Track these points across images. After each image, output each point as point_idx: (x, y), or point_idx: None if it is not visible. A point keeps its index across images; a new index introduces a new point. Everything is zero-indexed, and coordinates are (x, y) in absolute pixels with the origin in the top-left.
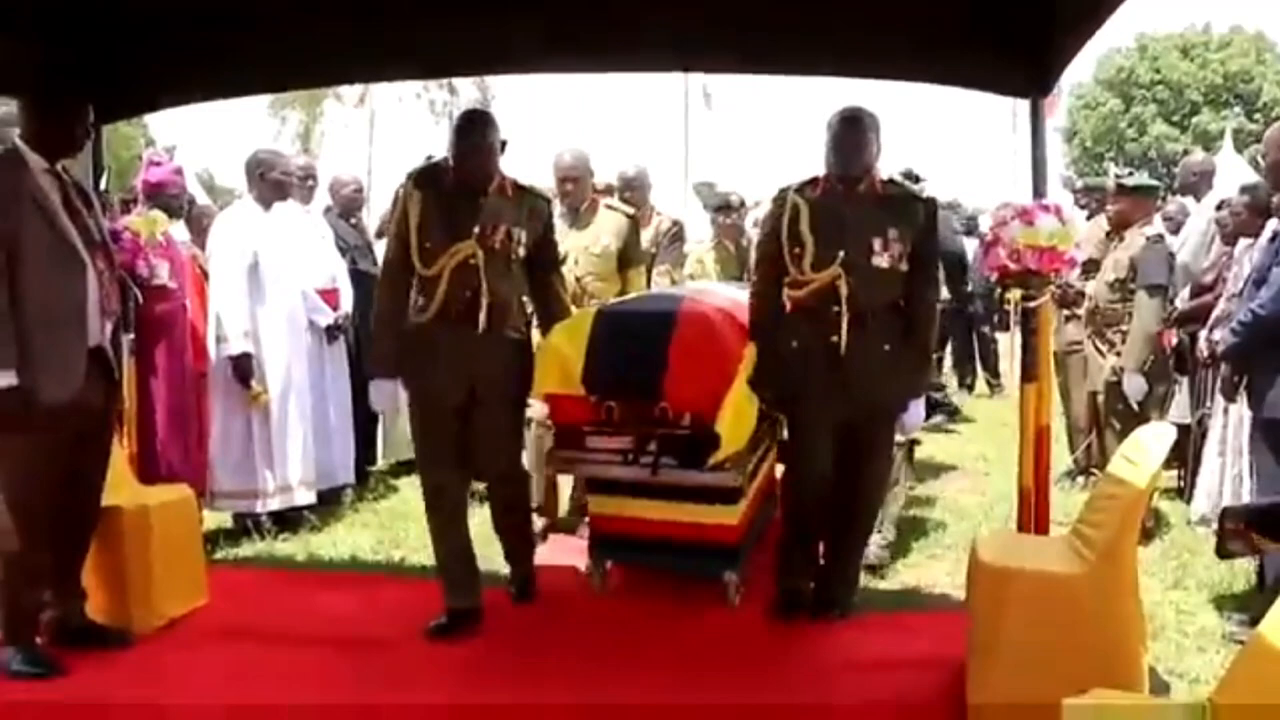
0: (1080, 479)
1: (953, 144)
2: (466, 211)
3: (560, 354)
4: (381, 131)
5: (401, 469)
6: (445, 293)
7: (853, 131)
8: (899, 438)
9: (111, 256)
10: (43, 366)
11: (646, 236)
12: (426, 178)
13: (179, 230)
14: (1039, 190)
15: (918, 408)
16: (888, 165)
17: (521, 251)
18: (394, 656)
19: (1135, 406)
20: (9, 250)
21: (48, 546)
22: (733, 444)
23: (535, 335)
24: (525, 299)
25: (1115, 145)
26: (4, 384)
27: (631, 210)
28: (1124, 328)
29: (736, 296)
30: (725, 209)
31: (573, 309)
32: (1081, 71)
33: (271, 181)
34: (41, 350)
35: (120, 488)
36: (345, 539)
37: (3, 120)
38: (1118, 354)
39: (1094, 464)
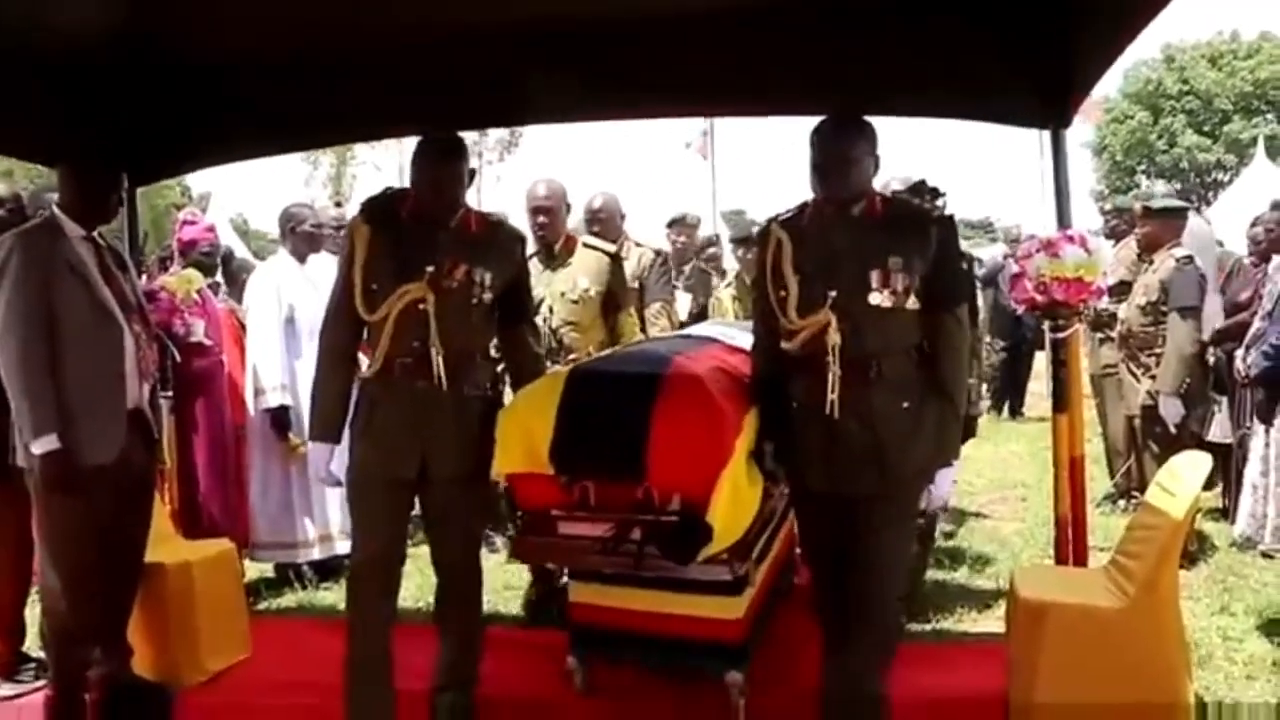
0: (1121, 502)
1: (983, 159)
2: (420, 247)
3: (524, 425)
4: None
5: None
6: (389, 343)
7: (838, 143)
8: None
9: (148, 319)
10: (83, 430)
11: (628, 272)
12: (378, 209)
13: (215, 285)
14: (1064, 221)
15: (946, 478)
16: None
17: (486, 295)
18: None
19: (1173, 429)
20: (48, 318)
21: (93, 604)
22: (728, 535)
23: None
24: (494, 350)
25: (1146, 158)
26: (47, 448)
27: (612, 248)
28: (1158, 350)
29: (743, 344)
30: (745, 241)
31: (548, 366)
32: (1108, 85)
33: (304, 235)
34: (82, 414)
35: (163, 544)
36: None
37: (41, 189)
38: (1152, 377)
39: (1134, 487)
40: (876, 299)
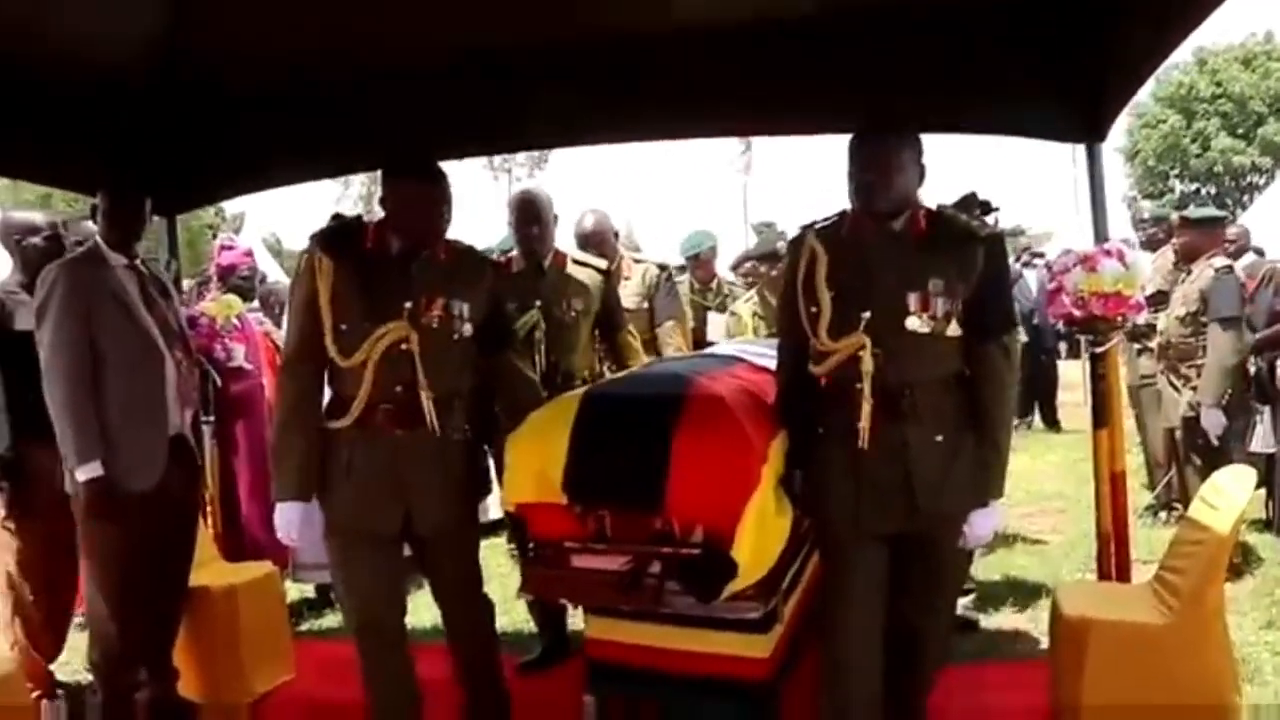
0: (1162, 514)
1: (1014, 164)
2: (394, 282)
3: (535, 452)
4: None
5: (483, 530)
6: (371, 389)
7: (879, 152)
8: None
9: (189, 346)
10: (126, 457)
11: (633, 291)
12: (339, 240)
13: (253, 308)
14: (1101, 235)
15: (988, 517)
16: (942, 193)
17: (466, 329)
18: None
19: (1215, 441)
20: (92, 347)
21: (139, 628)
22: (755, 570)
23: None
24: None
25: (1179, 162)
26: (91, 474)
27: (603, 264)
28: (1198, 361)
29: (769, 364)
30: (772, 257)
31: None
32: (1140, 91)
33: None
34: (124, 442)
35: (207, 568)
36: (426, 606)
37: (76, 217)
38: (1193, 389)
39: (1175, 499)
40: (914, 324)
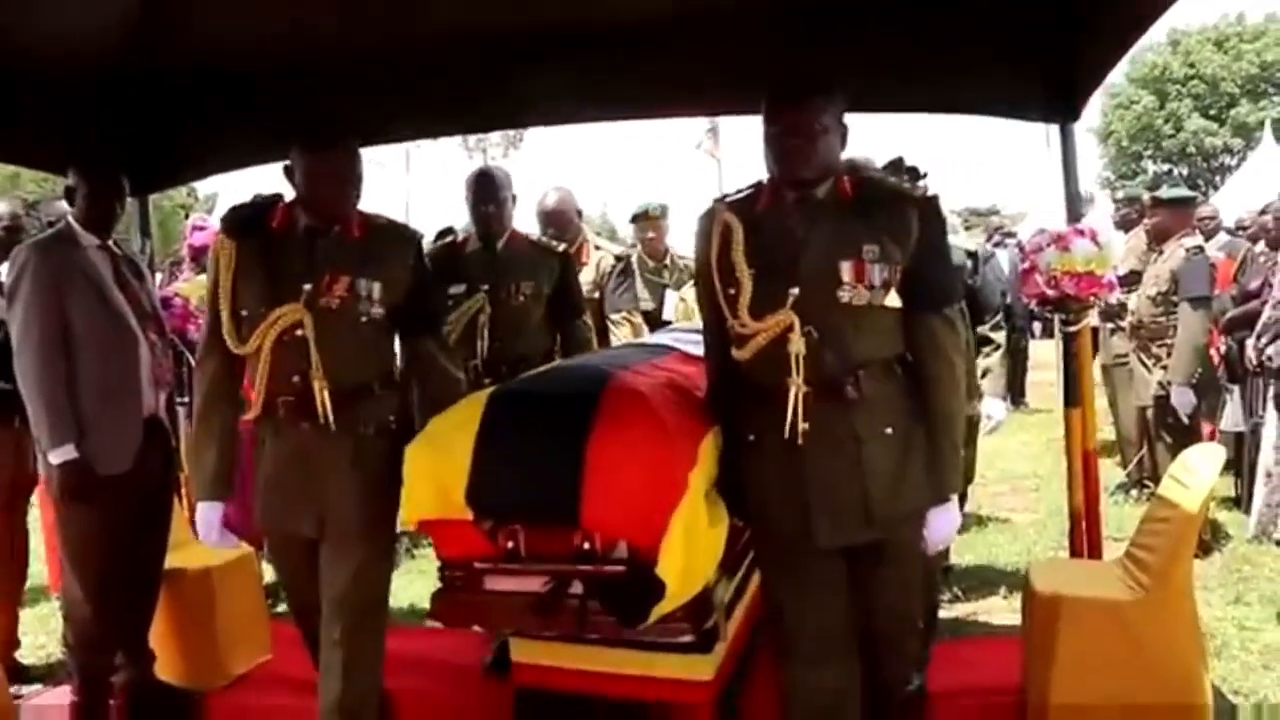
0: (1134, 492)
1: (987, 144)
2: (293, 262)
3: (437, 461)
4: (417, 166)
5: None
6: (268, 379)
7: (800, 114)
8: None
9: (163, 327)
10: (100, 439)
11: (587, 279)
12: (243, 222)
13: None
14: (1074, 215)
15: (946, 516)
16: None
17: (376, 310)
18: (449, 706)
19: (1185, 419)
20: (64, 328)
21: (114, 611)
22: (684, 590)
23: None
24: (398, 376)
25: (1152, 143)
26: (65, 458)
27: (561, 246)
28: (1169, 341)
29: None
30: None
31: (466, 385)
32: (1114, 72)
33: None
34: (98, 424)
35: (182, 550)
36: (403, 587)
37: (48, 198)
38: (1164, 368)
39: (1146, 477)
40: (848, 295)
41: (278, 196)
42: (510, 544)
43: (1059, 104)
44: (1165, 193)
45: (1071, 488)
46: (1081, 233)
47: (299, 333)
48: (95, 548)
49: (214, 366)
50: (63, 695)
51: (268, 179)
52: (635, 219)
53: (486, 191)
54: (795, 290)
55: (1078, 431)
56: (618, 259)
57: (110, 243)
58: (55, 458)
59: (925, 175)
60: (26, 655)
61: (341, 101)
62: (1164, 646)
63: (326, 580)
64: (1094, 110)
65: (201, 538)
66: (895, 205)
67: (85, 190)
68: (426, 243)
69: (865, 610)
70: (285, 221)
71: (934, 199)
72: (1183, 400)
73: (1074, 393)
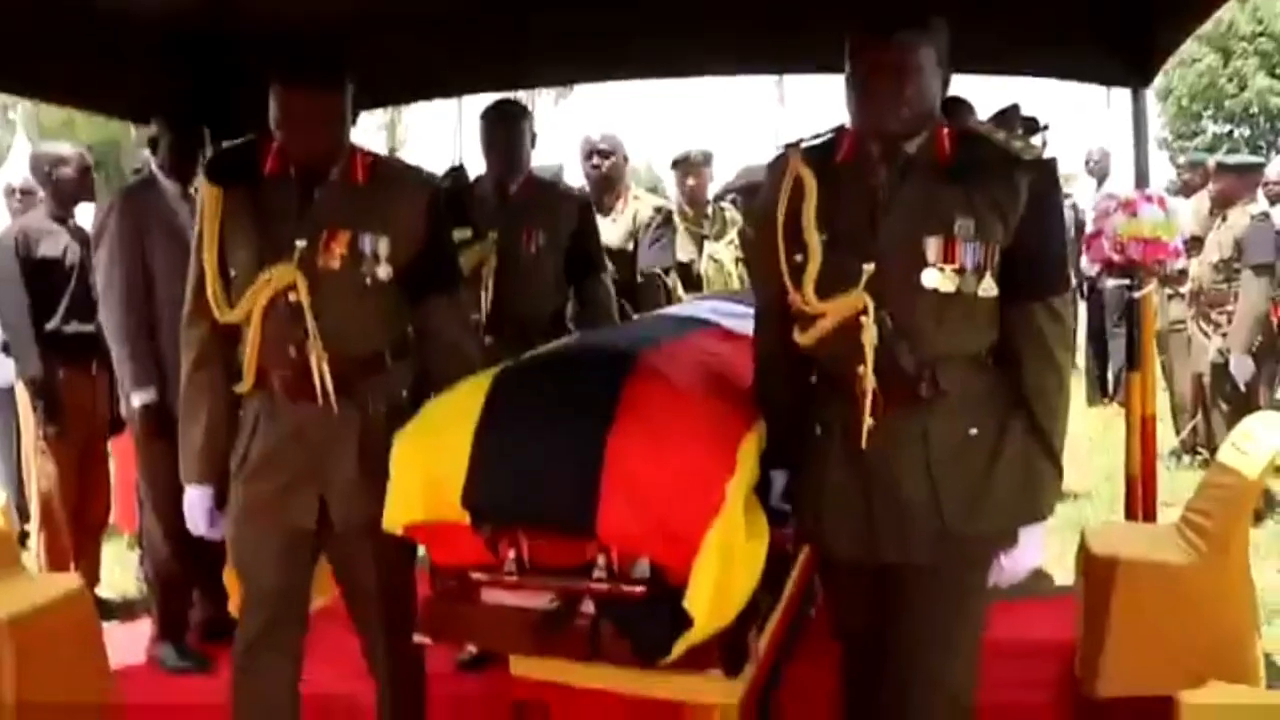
0: (1186, 458)
1: (1039, 102)
2: (286, 214)
3: (428, 455)
4: (470, 116)
5: None
6: (258, 351)
7: (889, 52)
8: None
9: None
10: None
11: (618, 230)
12: (230, 165)
13: None
14: (1141, 181)
15: (1033, 541)
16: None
17: (382, 271)
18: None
19: (1243, 388)
20: (146, 275)
21: (193, 551)
22: (717, 619)
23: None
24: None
25: (1213, 103)
26: (146, 400)
27: (579, 192)
28: (1229, 308)
29: (747, 329)
30: (756, 190)
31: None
32: None
33: None
34: (177, 368)
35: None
36: None
37: (139, 143)
38: (1223, 335)
39: (1200, 443)
40: (933, 279)
41: (265, 135)
42: (512, 553)
43: (1133, 68)
44: (1230, 158)
45: (1129, 451)
46: (1149, 199)
47: (293, 297)
48: (175, 487)
49: (202, 330)
50: (140, 631)
51: None
52: (676, 164)
53: (500, 126)
54: (869, 266)
55: (1138, 396)
56: (657, 210)
57: (191, 190)
58: (137, 400)
59: (1045, 128)
60: (102, 590)
61: (396, 55)
62: (1218, 611)
63: (349, 580)
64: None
65: (190, 527)
66: (1003, 171)
67: (168, 139)
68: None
69: (901, 639)
70: (278, 165)
71: (1050, 163)
72: (1242, 368)
73: (1136, 357)
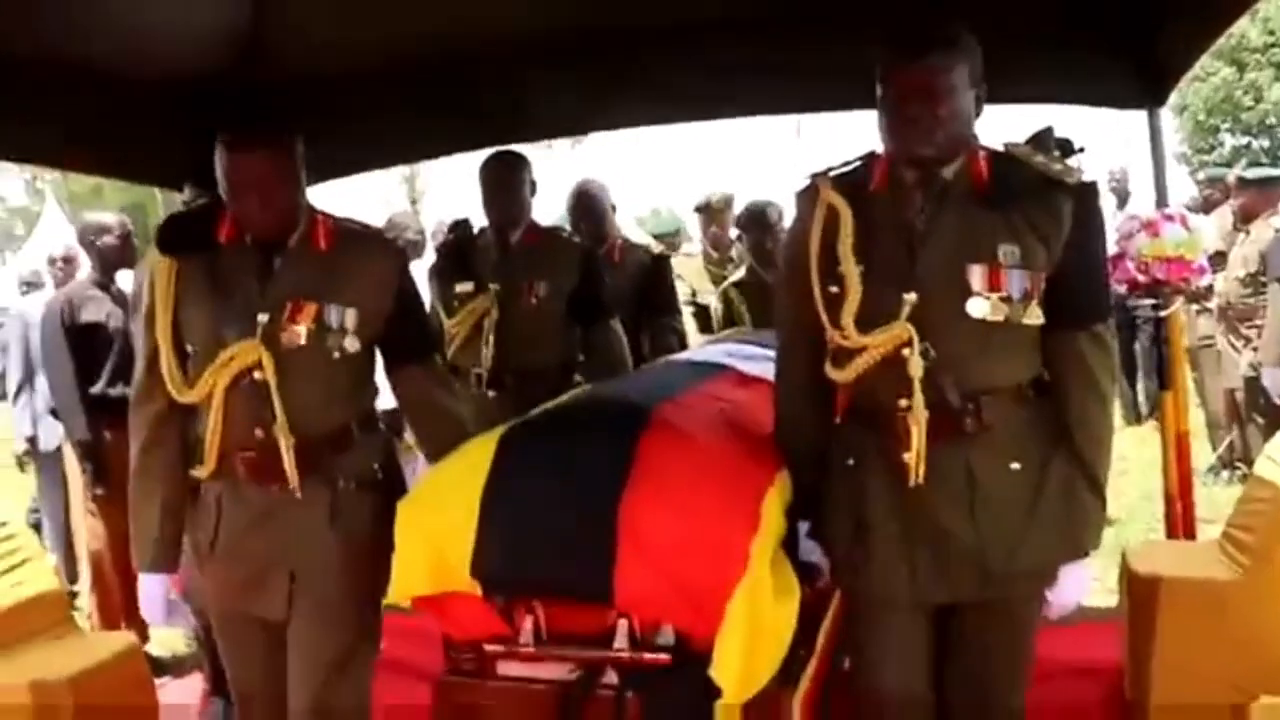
0: (1225, 473)
1: (1057, 120)
2: (247, 285)
3: (433, 523)
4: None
5: None
6: (220, 433)
7: (923, 74)
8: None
9: None
10: None
11: (621, 280)
12: (184, 232)
13: None
14: (1162, 200)
15: (1079, 575)
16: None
17: (350, 343)
18: None
19: (1277, 400)
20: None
21: None
22: (748, 687)
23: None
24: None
25: (1230, 116)
26: None
27: (582, 242)
28: (1258, 322)
29: (766, 372)
30: (759, 223)
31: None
32: None
33: (408, 244)
34: None
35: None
36: None
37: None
38: (1254, 349)
39: (1238, 458)
40: (979, 309)
41: (213, 200)
42: (528, 623)
43: (1146, 89)
44: (1250, 172)
45: (1166, 470)
46: (1171, 218)
47: (257, 376)
48: None
49: (154, 409)
50: (192, 687)
51: (346, 182)
52: (699, 210)
53: (497, 176)
54: (912, 297)
55: (1171, 414)
56: (656, 257)
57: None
58: None
59: (1080, 150)
60: (152, 648)
61: (426, 111)
62: (1265, 625)
63: (293, 681)
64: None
65: (145, 615)
66: (1046, 195)
67: (204, 203)
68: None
69: (952, 682)
70: (235, 233)
71: (1093, 186)
72: (1275, 382)
73: (1167, 376)
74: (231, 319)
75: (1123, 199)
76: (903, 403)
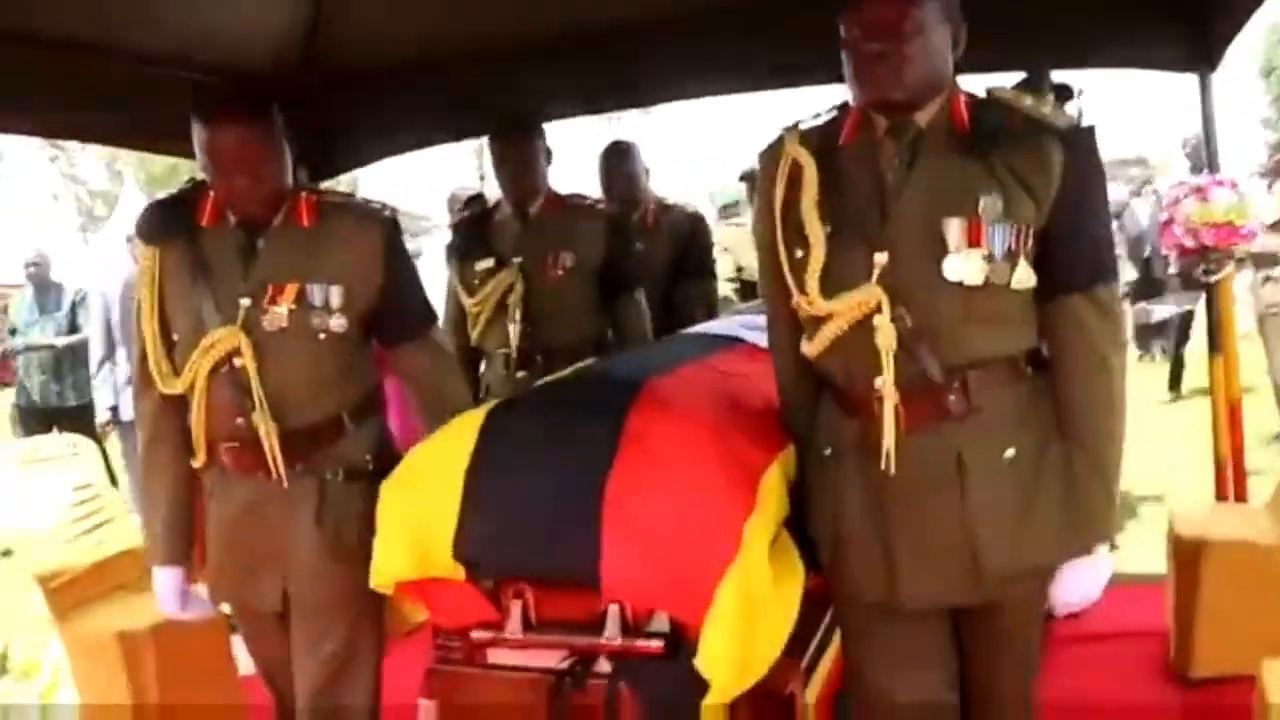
0: None
1: (1131, 91)
2: (230, 269)
3: (414, 505)
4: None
5: None
6: (206, 422)
7: (887, 9)
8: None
9: None
10: None
11: (660, 244)
12: (164, 220)
13: None
14: (1213, 165)
15: (1089, 571)
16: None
17: (336, 322)
18: None
19: None
20: None
21: None
22: (741, 681)
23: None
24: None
25: None
26: None
27: (605, 206)
28: None
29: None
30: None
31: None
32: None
33: None
34: None
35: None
36: None
37: None
38: None
39: None
40: (958, 268)
41: (197, 185)
42: (517, 608)
43: (1197, 53)
44: None
45: (1216, 434)
46: (1220, 183)
47: (237, 362)
48: None
49: (151, 404)
50: None
51: (402, 162)
52: (744, 178)
53: (508, 145)
54: (883, 256)
55: (1221, 380)
56: (690, 218)
57: None
58: None
59: (1080, 94)
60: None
61: (483, 87)
62: None
63: (297, 682)
64: (1256, 49)
65: (161, 607)
66: (1032, 140)
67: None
68: (452, 212)
69: (961, 688)
70: (216, 216)
71: (1088, 131)
72: None
73: (1217, 341)
74: (214, 304)
75: (1197, 166)
76: (878, 381)
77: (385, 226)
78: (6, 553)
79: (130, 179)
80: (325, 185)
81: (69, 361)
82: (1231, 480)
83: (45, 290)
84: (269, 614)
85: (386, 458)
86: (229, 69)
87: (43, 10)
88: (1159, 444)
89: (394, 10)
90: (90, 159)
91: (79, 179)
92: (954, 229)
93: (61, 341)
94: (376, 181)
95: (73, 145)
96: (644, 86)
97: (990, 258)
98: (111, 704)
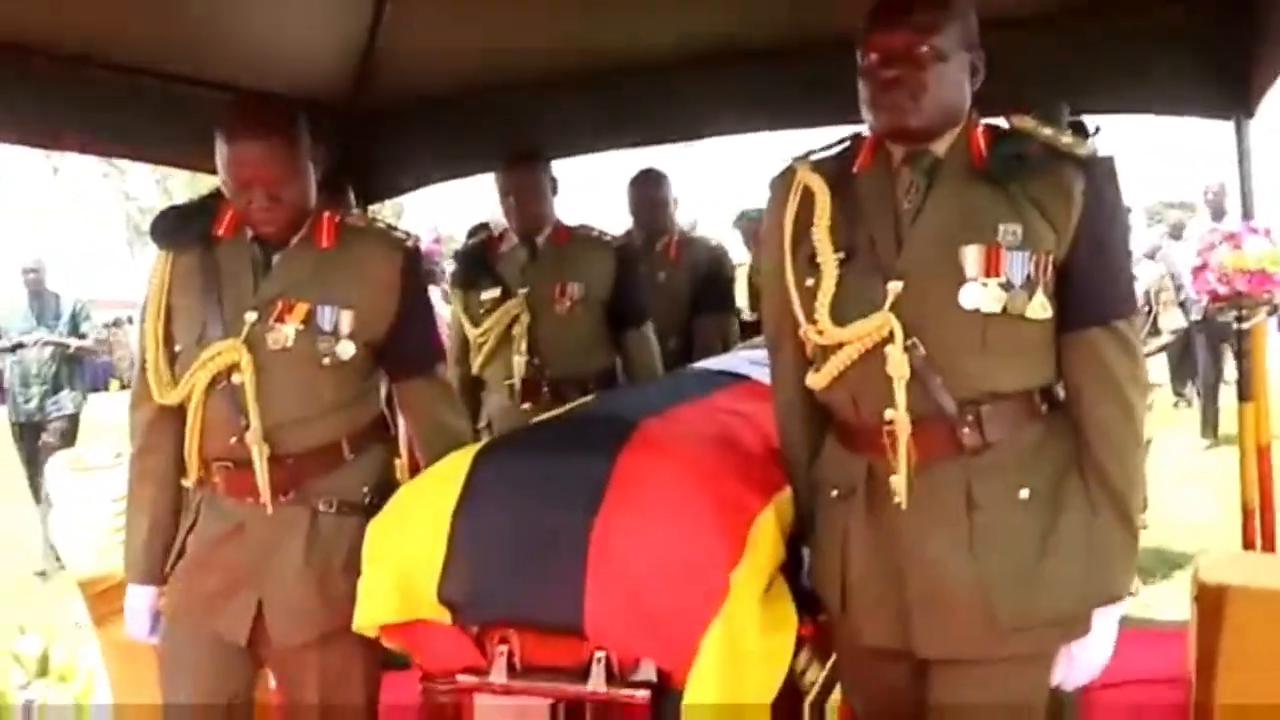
0: None
1: (1174, 138)
2: (239, 282)
3: (401, 545)
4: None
5: None
6: (200, 439)
7: (902, 36)
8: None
9: None
10: None
11: (679, 277)
12: (183, 226)
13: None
14: (1247, 213)
15: (1105, 627)
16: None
17: (343, 348)
18: None
19: None
20: None
21: None
22: None
23: None
24: (378, 432)
25: None
26: None
27: (614, 238)
28: None
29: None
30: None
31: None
32: None
33: None
34: None
35: None
36: None
37: None
38: None
39: None
40: (974, 297)
41: (215, 195)
42: (503, 653)
43: (1235, 99)
44: None
45: (1244, 481)
46: (1255, 230)
47: (235, 378)
48: None
49: (146, 414)
50: None
51: (448, 187)
52: (739, 225)
53: (514, 175)
54: (897, 285)
55: (1251, 426)
56: (711, 250)
57: None
58: None
59: (1096, 132)
60: None
61: (527, 119)
62: None
63: (290, 697)
64: None
65: (129, 629)
66: (1051, 167)
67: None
68: (458, 242)
69: None
70: (234, 228)
71: (1108, 161)
72: None
73: (1247, 388)
74: (219, 317)
75: (1218, 214)
76: (889, 414)
77: (406, 255)
78: (41, 574)
79: (180, 197)
80: (371, 209)
81: (68, 371)
82: (1259, 528)
83: (41, 298)
84: (227, 646)
85: (387, 492)
86: (283, 94)
87: (105, 36)
88: (1193, 491)
89: (446, 42)
90: (141, 176)
91: (130, 195)
92: (972, 256)
93: (72, 343)
94: (422, 207)
95: (124, 162)
96: (678, 121)
97: (1007, 286)
98: (144, 704)
